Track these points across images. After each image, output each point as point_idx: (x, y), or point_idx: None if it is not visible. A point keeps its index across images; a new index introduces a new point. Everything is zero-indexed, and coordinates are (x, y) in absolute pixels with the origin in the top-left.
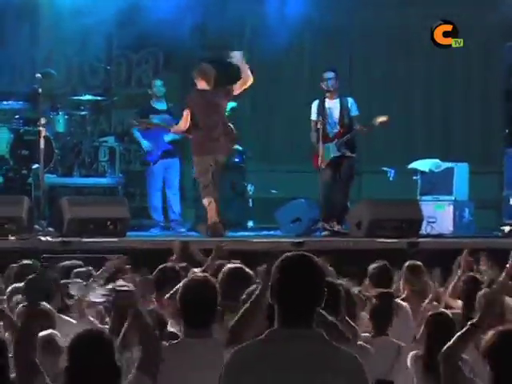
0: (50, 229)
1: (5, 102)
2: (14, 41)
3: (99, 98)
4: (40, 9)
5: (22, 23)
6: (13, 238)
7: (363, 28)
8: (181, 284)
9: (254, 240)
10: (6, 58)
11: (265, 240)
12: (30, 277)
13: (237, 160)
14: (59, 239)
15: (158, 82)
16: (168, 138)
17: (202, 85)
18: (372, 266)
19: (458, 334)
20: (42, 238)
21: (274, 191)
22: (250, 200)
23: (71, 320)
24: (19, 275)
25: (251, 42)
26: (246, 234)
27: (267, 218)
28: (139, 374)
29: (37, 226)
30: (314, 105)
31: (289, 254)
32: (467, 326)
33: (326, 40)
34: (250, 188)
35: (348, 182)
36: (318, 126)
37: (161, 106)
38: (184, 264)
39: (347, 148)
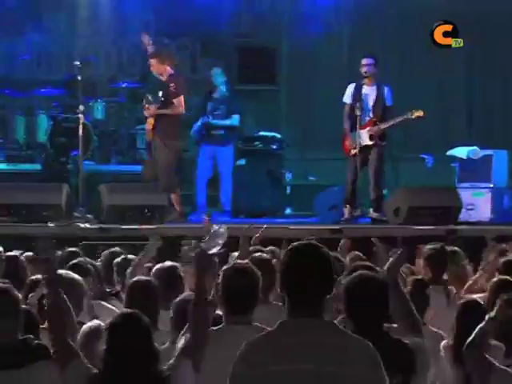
0: (89, 216)
1: (44, 90)
2: (53, 29)
3: (137, 85)
4: None
5: (61, 11)
6: (52, 224)
7: (400, 14)
8: (221, 270)
9: (292, 227)
10: (45, 46)
11: (302, 227)
12: (71, 264)
13: (275, 147)
14: (98, 226)
15: (214, 71)
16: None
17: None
18: (429, 247)
19: (480, 325)
20: (81, 225)
21: (311, 178)
22: (288, 187)
23: (112, 307)
24: (61, 262)
25: (288, 29)
26: (284, 221)
27: (305, 205)
28: (182, 357)
29: (76, 213)
30: (350, 88)
31: (295, 243)
32: (487, 319)
33: (363, 26)
34: (287, 175)
35: (379, 170)
36: (357, 112)
37: (216, 94)
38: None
39: (376, 138)
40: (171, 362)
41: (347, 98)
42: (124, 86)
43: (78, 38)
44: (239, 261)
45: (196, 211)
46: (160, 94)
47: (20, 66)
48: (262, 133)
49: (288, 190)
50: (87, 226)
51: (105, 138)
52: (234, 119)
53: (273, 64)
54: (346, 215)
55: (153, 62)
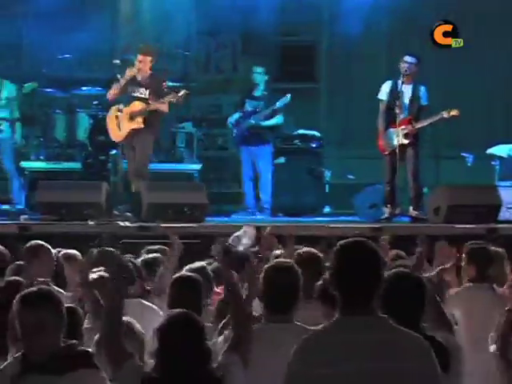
0: (129, 214)
1: (84, 88)
2: (94, 27)
3: (177, 83)
4: None
5: (103, 10)
6: (92, 223)
7: (438, 11)
8: (263, 268)
9: (331, 225)
10: (86, 44)
11: (342, 225)
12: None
13: (314, 146)
14: (137, 224)
15: (256, 69)
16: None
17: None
18: (472, 245)
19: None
20: (121, 223)
21: (351, 177)
22: (327, 185)
23: (153, 306)
24: (100, 260)
25: (328, 26)
26: (323, 219)
27: (344, 203)
28: (230, 354)
29: (115, 211)
30: (386, 85)
31: (344, 240)
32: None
33: (403, 24)
34: (326, 173)
35: (416, 168)
36: (396, 110)
37: (256, 92)
38: (256, 248)
39: (411, 137)
40: (220, 360)
41: (383, 95)
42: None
43: (118, 37)
44: (281, 259)
45: (244, 210)
46: (144, 91)
47: (61, 65)
48: (301, 131)
49: (327, 189)
50: (127, 224)
51: None
52: (279, 118)
53: (313, 62)
54: (386, 214)
55: (147, 59)
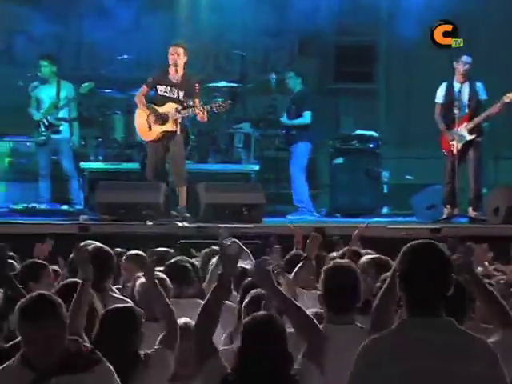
0: (187, 214)
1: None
2: (152, 28)
3: (235, 84)
4: None
5: (161, 10)
6: (150, 223)
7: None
8: (323, 270)
9: (389, 226)
10: (144, 44)
11: (400, 226)
12: (169, 262)
13: (372, 146)
14: (195, 225)
15: (288, 75)
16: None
17: None
18: None
19: None
20: (179, 224)
21: (409, 177)
22: (385, 186)
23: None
24: (158, 260)
25: (386, 26)
26: (381, 220)
27: (402, 204)
28: (305, 361)
29: (173, 212)
30: (442, 88)
31: (415, 242)
32: None
33: (461, 24)
34: (384, 174)
35: (478, 167)
36: (455, 111)
37: (291, 95)
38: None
39: (476, 133)
40: (296, 366)
41: (439, 98)
42: (221, 84)
43: (176, 38)
44: (339, 260)
45: (297, 211)
46: (181, 94)
47: (119, 66)
48: (359, 131)
49: (385, 189)
50: (185, 224)
51: (203, 138)
52: (305, 117)
53: (371, 62)
54: (445, 215)
55: (179, 50)
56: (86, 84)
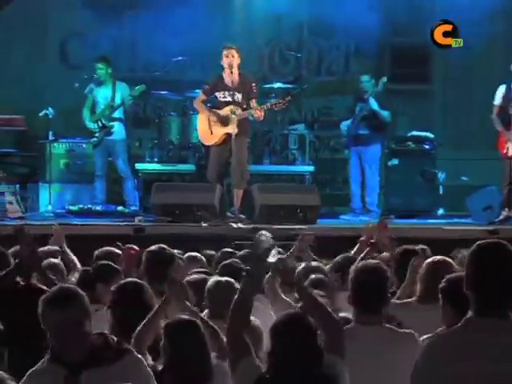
0: (242, 215)
1: (197, 91)
2: (206, 29)
3: (289, 85)
4: None
5: (215, 11)
6: (205, 224)
7: None
8: (352, 269)
9: (445, 227)
10: (199, 46)
11: (456, 228)
12: (225, 263)
13: (427, 147)
14: (250, 226)
15: (363, 78)
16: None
17: None
18: None
19: None
20: (234, 225)
21: (464, 178)
22: (441, 187)
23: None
24: (216, 261)
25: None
26: (437, 221)
27: (458, 205)
28: (330, 355)
29: (228, 213)
30: (500, 89)
31: (482, 241)
32: None
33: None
34: (440, 175)
35: None
36: (510, 111)
37: (365, 95)
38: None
39: None
40: (324, 361)
41: (498, 99)
42: (277, 86)
43: (230, 39)
44: (369, 260)
45: (351, 212)
46: (239, 96)
47: (174, 68)
48: (414, 132)
49: (441, 191)
50: (240, 225)
51: (258, 139)
52: (387, 114)
53: (426, 63)
54: (502, 216)
55: (233, 52)
56: (137, 87)
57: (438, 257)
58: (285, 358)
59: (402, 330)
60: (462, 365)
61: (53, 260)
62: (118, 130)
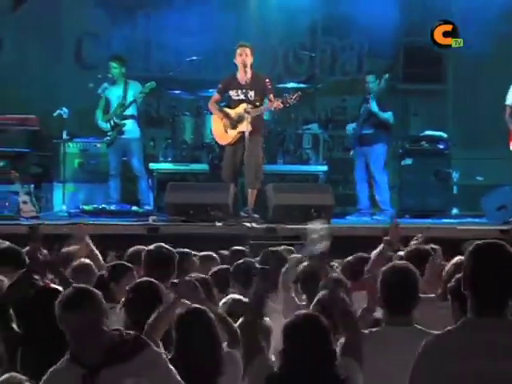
0: (256, 215)
1: (211, 90)
2: (220, 28)
3: (303, 85)
4: None
5: (228, 10)
6: (219, 224)
7: None
8: (381, 271)
9: (459, 227)
10: (212, 45)
11: (470, 227)
12: (239, 262)
13: (441, 147)
14: (264, 226)
15: (369, 78)
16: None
17: None
18: None
19: None
20: (248, 225)
21: (479, 178)
22: (455, 187)
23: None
24: (230, 260)
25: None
26: (451, 221)
27: (472, 205)
28: (346, 358)
29: (242, 213)
30: None
31: (480, 242)
32: None
33: None
34: (454, 175)
35: None
36: None
37: (370, 97)
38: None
39: None
40: (337, 362)
41: (509, 99)
42: (290, 85)
43: (243, 39)
44: (398, 261)
45: (358, 212)
46: (252, 94)
47: (188, 67)
48: (428, 132)
49: (455, 190)
50: (254, 225)
51: (272, 138)
52: (389, 115)
53: (439, 63)
54: None
55: (247, 51)
56: (147, 84)
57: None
58: (296, 358)
59: (433, 332)
60: (461, 364)
61: (84, 260)
62: (132, 129)
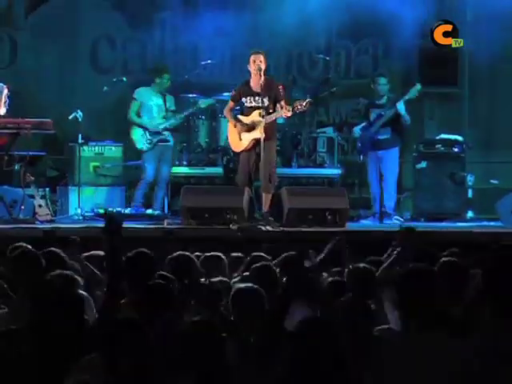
0: (270, 218)
1: (226, 94)
2: (235, 32)
3: (318, 88)
4: None
5: (243, 14)
6: (234, 227)
7: None
8: (398, 273)
9: (474, 231)
10: (227, 50)
11: (485, 231)
12: (258, 265)
13: (456, 150)
14: (279, 229)
15: (380, 80)
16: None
17: None
18: None
19: None
20: (262, 228)
21: (494, 181)
22: (470, 190)
23: None
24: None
25: (472, 29)
26: (466, 224)
27: (487, 208)
28: (356, 360)
29: (257, 216)
30: None
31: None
32: None
33: None
34: (469, 178)
35: None
36: None
37: (380, 101)
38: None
39: None
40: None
41: None
42: (305, 89)
43: (258, 42)
44: (417, 264)
45: (371, 216)
46: (265, 100)
47: (203, 71)
48: (443, 135)
49: (470, 194)
50: (269, 228)
51: (286, 142)
52: (409, 118)
53: (455, 65)
54: None
55: (260, 57)
56: (206, 100)
57: None
58: (304, 361)
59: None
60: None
61: None
62: (169, 137)
